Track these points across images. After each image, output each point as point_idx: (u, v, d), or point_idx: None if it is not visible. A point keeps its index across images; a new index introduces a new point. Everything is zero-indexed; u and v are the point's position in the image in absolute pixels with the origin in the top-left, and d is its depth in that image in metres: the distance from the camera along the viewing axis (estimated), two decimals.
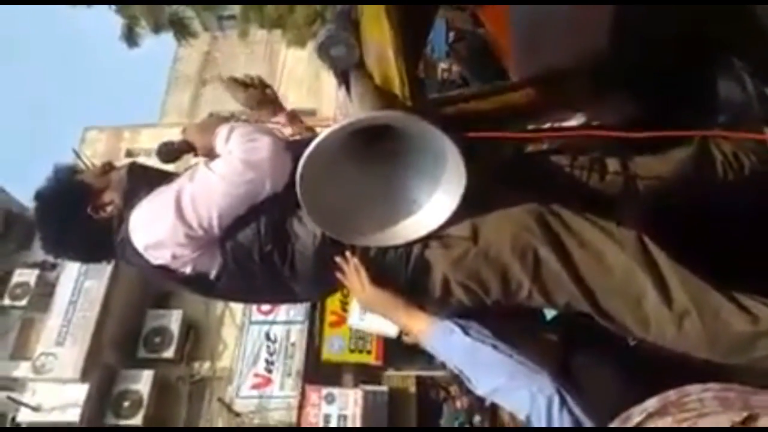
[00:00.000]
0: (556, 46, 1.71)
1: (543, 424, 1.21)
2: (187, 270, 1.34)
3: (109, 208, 1.43)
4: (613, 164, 1.50)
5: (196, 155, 1.46)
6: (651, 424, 0.58)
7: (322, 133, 1.13)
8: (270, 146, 1.28)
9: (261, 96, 1.72)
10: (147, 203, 1.35)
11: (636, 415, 0.60)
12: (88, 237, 1.45)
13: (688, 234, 1.37)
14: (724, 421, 0.55)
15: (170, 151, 1.45)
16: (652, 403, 0.60)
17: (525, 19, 1.70)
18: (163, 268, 1.35)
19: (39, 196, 1.49)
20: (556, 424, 1.20)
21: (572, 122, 1.79)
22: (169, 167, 1.50)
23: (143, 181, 1.43)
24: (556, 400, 1.20)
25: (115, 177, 1.48)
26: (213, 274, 1.35)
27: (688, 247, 1.24)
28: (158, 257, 1.33)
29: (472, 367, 1.31)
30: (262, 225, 1.31)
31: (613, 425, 0.62)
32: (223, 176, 1.28)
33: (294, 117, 1.74)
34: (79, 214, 1.42)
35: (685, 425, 0.56)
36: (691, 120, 1.57)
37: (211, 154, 1.40)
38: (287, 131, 1.64)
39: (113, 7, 6.04)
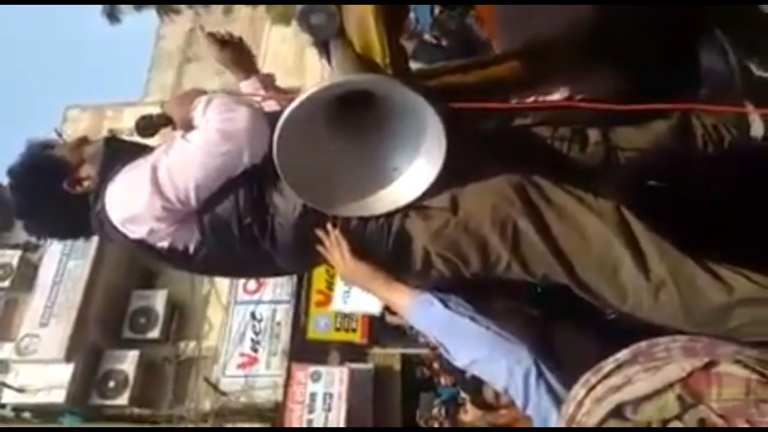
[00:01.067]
0: (540, 18, 1.70)
1: (520, 396, 1.23)
2: (165, 244, 1.33)
3: (86, 183, 1.41)
4: (594, 135, 1.50)
5: (174, 128, 1.44)
6: (621, 373, 0.60)
7: (300, 96, 1.11)
8: (247, 117, 1.26)
9: (236, 55, 1.68)
10: (123, 177, 1.33)
11: (607, 366, 0.61)
12: (65, 213, 1.43)
13: (667, 205, 1.38)
14: (687, 366, 0.57)
15: (149, 125, 1.43)
16: (623, 354, 0.62)
17: None
18: (140, 243, 1.33)
19: (11, 171, 1.46)
20: (533, 395, 1.22)
21: (556, 96, 1.78)
22: (149, 141, 1.48)
23: (120, 154, 1.41)
24: (534, 371, 1.22)
25: (90, 151, 1.45)
26: (191, 249, 1.34)
27: (667, 218, 1.25)
28: (135, 231, 1.32)
29: (451, 338, 1.32)
30: (240, 197, 1.30)
31: (586, 377, 0.64)
32: (200, 147, 1.26)
33: (269, 80, 1.71)
34: (54, 189, 1.40)
35: (651, 372, 0.58)
36: (674, 92, 1.57)
37: (189, 127, 1.37)
38: (267, 104, 1.62)
39: None
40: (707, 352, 0.59)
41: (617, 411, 0.60)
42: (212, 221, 1.31)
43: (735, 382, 0.56)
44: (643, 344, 0.63)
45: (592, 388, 0.61)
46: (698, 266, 1.17)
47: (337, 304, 6.47)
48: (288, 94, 1.68)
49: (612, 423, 0.59)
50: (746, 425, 0.54)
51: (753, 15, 1.68)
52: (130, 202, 1.30)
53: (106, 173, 1.36)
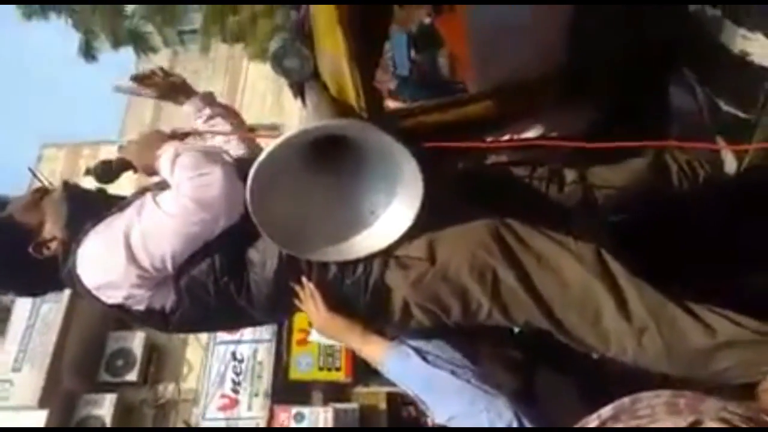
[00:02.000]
0: (514, 56, 1.72)
1: None
2: (142, 307, 1.29)
3: (52, 245, 1.33)
4: (571, 175, 1.50)
5: (135, 173, 1.40)
6: None
7: (274, 142, 1.09)
8: (221, 181, 1.20)
9: (167, 84, 1.67)
10: (94, 240, 1.27)
11: (591, 423, 0.60)
12: (34, 276, 1.36)
13: (646, 245, 1.38)
14: (670, 425, 0.56)
15: (107, 170, 1.38)
16: (606, 411, 0.61)
17: (483, 28, 1.71)
18: (118, 307, 1.29)
19: None
20: None
21: (530, 133, 1.79)
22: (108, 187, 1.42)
23: (85, 206, 1.34)
24: (515, 423, 1.19)
25: (50, 205, 1.36)
26: (167, 309, 1.30)
27: (646, 258, 1.24)
28: (111, 297, 1.27)
29: (430, 394, 1.29)
30: (216, 258, 1.26)
31: None
32: (174, 216, 1.21)
33: (209, 98, 1.69)
34: (18, 257, 1.32)
35: None
36: (647, 130, 1.59)
37: (152, 173, 1.34)
38: (231, 143, 1.60)
39: (70, 21, 5.91)
40: (691, 410, 0.57)
41: None
42: (188, 283, 1.27)
43: None
44: (626, 400, 0.62)
45: None
46: (680, 308, 1.16)
47: (315, 335, 6.36)
48: (239, 121, 1.68)
49: None
50: None
51: (720, 54, 1.72)
52: (105, 270, 1.25)
53: (74, 232, 1.30)
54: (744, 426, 0.55)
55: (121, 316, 1.35)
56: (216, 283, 1.26)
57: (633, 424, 0.57)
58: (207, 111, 1.63)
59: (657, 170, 1.53)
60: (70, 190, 1.41)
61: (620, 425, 0.58)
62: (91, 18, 5.91)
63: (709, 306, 1.16)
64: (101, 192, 1.43)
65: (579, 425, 0.62)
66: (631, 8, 1.55)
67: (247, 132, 1.72)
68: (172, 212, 1.21)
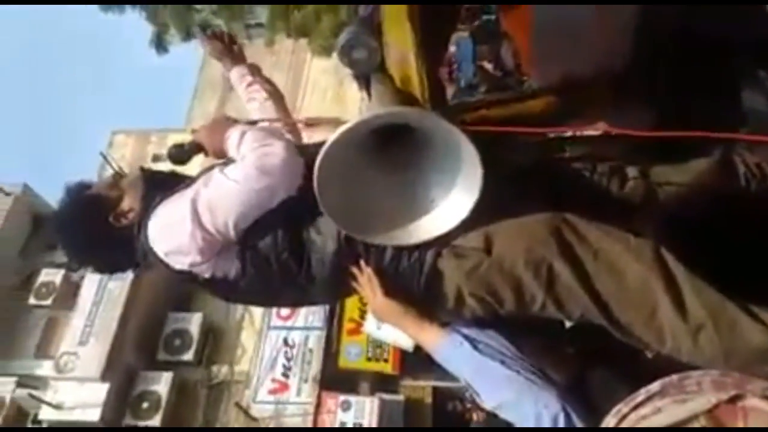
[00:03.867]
0: (578, 53, 1.71)
1: None
2: (207, 274, 1.37)
3: (130, 215, 1.44)
4: (633, 172, 1.49)
5: (206, 155, 1.49)
6: (651, 404, 0.60)
7: (341, 128, 1.15)
8: (283, 151, 1.29)
9: (224, 48, 1.84)
10: (163, 209, 1.37)
11: (639, 396, 0.62)
12: (113, 247, 1.46)
13: (708, 245, 1.36)
14: (713, 399, 0.57)
15: (181, 153, 1.48)
16: (654, 386, 0.63)
17: (548, 25, 1.71)
18: (184, 273, 1.37)
19: (57, 217, 1.52)
20: None
21: (592, 131, 1.78)
22: (181, 169, 1.52)
23: (158, 184, 1.45)
24: (561, 417, 1.20)
25: (128, 182, 1.50)
26: (231, 278, 1.37)
27: (707, 258, 1.23)
28: (178, 263, 1.36)
29: (480, 381, 1.31)
30: (279, 233, 1.33)
31: (618, 407, 0.64)
32: (238, 182, 1.29)
33: (255, 68, 1.83)
34: (100, 226, 1.44)
35: (679, 403, 0.58)
36: (715, 129, 1.55)
37: (221, 155, 1.42)
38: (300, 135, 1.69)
39: (144, 14, 6.19)
40: (736, 387, 0.59)
41: None
42: (252, 254, 1.34)
43: (761, 416, 0.56)
44: (674, 377, 0.64)
45: (624, 417, 0.62)
46: (738, 308, 1.14)
47: (371, 328, 6.43)
48: (279, 96, 1.80)
49: None
50: None
51: None
52: (173, 235, 1.34)
53: (148, 203, 1.40)
54: None
55: (189, 285, 1.44)
56: (278, 257, 1.33)
57: (679, 398, 0.59)
58: (249, 78, 1.78)
59: (723, 170, 1.50)
60: (146, 171, 1.55)
61: (667, 399, 0.60)
62: (163, 12, 6.18)
63: (767, 306, 1.14)
64: (173, 173, 1.54)
65: (628, 399, 0.64)
66: (696, 7, 1.52)
67: (289, 117, 1.84)
68: (236, 178, 1.30)
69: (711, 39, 1.57)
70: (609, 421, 0.64)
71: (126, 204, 1.45)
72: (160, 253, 1.36)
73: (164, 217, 1.36)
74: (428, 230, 1.29)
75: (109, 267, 1.63)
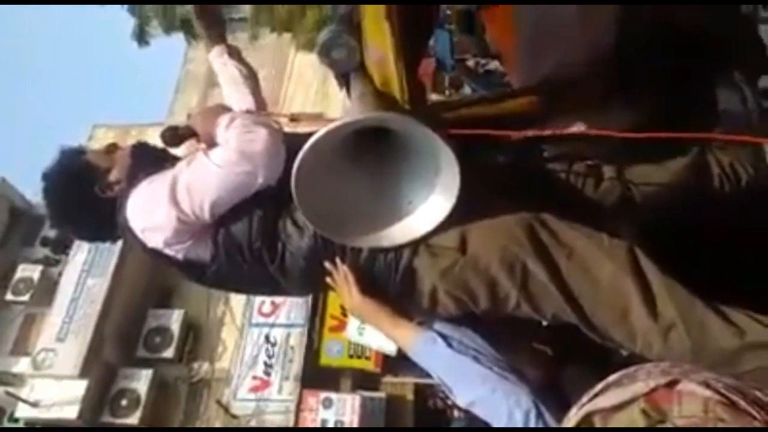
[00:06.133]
0: (559, 52, 1.72)
1: None
2: (180, 256, 1.38)
3: (115, 188, 1.47)
4: (609, 172, 1.50)
5: (198, 141, 1.49)
6: (606, 393, 0.63)
7: (320, 130, 1.14)
8: (266, 139, 1.30)
9: (210, 18, 1.70)
10: (145, 186, 1.39)
11: (598, 387, 0.65)
12: (96, 215, 1.48)
13: (681, 245, 1.38)
14: (651, 383, 0.60)
15: (174, 136, 1.48)
16: (613, 377, 0.66)
17: (529, 24, 1.71)
18: (157, 252, 1.39)
19: (46, 175, 1.53)
20: None
21: (573, 130, 1.79)
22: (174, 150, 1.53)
23: (146, 160, 1.47)
24: (533, 414, 1.22)
25: (119, 155, 1.52)
26: (204, 262, 1.39)
27: (680, 258, 1.24)
28: (152, 240, 1.37)
29: (453, 378, 1.33)
30: (254, 220, 1.34)
31: (581, 400, 0.66)
32: (218, 165, 1.31)
33: (234, 49, 1.72)
34: (86, 193, 1.46)
35: (624, 386, 0.61)
36: (690, 129, 1.57)
37: (212, 142, 1.42)
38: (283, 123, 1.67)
39: (126, 6, 6.12)
40: (680, 374, 0.61)
41: (587, 419, 0.62)
42: (225, 239, 1.35)
43: (693, 400, 0.57)
44: (632, 368, 0.66)
45: (582, 407, 0.64)
46: (708, 309, 1.16)
47: (352, 334, 6.42)
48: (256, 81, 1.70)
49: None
50: None
51: None
52: (150, 212, 1.36)
53: (132, 179, 1.42)
54: (723, 392, 0.58)
55: (162, 263, 1.44)
56: (250, 247, 1.34)
57: (630, 387, 0.62)
58: (226, 58, 1.68)
59: (697, 171, 1.52)
60: (139, 146, 1.57)
61: (620, 389, 0.62)
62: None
63: (738, 308, 1.16)
64: (165, 151, 1.54)
65: (589, 391, 0.66)
66: (679, 7, 1.54)
67: (262, 101, 1.71)
68: (217, 161, 1.31)
69: (688, 40, 1.59)
70: (572, 412, 0.66)
71: (113, 175, 1.48)
72: (137, 230, 1.38)
73: (144, 194, 1.38)
74: (405, 233, 1.29)
75: (89, 234, 1.67)
